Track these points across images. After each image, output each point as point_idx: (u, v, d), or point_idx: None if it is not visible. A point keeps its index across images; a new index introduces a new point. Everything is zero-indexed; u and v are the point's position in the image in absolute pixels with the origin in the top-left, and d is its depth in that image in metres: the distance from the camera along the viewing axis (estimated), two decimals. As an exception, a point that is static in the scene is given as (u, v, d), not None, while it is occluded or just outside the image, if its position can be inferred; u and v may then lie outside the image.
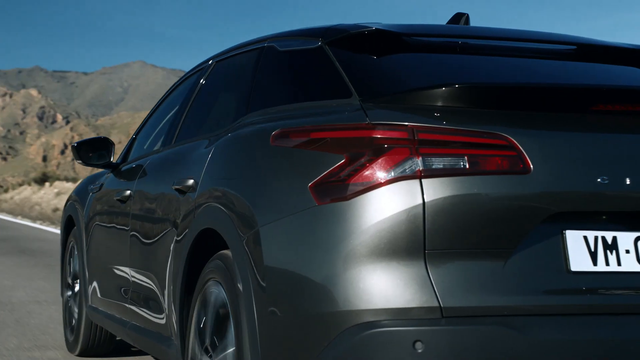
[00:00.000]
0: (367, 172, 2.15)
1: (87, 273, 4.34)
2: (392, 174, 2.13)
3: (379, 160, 2.15)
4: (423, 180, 2.12)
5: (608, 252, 2.23)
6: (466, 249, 2.13)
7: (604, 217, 2.27)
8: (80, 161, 4.07)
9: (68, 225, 4.86)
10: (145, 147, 4.00)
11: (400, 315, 2.07)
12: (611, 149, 2.26)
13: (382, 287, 2.09)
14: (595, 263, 2.22)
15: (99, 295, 4.13)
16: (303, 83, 2.73)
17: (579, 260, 2.20)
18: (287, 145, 2.37)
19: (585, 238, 2.23)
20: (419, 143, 2.15)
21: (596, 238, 2.24)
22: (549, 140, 2.22)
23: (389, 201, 2.12)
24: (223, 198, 2.59)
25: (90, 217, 4.39)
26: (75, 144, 4.05)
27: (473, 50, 2.74)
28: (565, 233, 2.21)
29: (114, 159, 4.17)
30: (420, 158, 2.13)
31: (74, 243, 4.65)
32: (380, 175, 2.14)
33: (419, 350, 2.02)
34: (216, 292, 2.61)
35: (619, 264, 2.23)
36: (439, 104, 2.23)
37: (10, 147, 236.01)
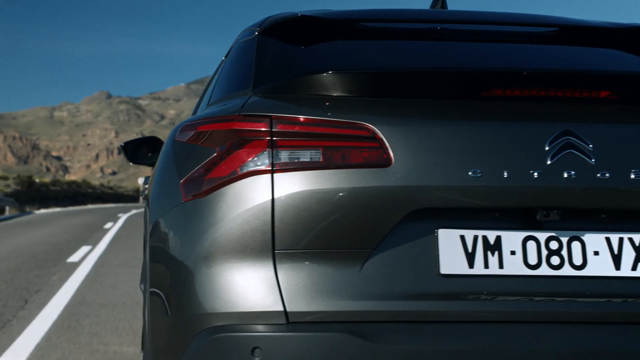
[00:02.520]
0: (223, 167, 1.99)
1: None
2: (246, 168, 1.96)
3: (237, 154, 1.98)
4: (275, 174, 1.94)
5: (489, 253, 1.96)
6: (319, 249, 1.92)
7: (492, 214, 1.98)
8: (130, 162, 3.94)
9: None
10: None
11: (244, 319, 1.89)
12: (487, 139, 1.96)
13: (231, 289, 1.92)
14: (471, 265, 1.95)
15: None
16: (234, 75, 2.51)
17: (451, 262, 1.94)
18: (183, 140, 2.20)
19: (463, 237, 1.96)
20: (277, 135, 1.97)
21: (475, 238, 1.96)
22: (416, 130, 1.96)
23: (239, 198, 1.95)
24: (149, 195, 2.52)
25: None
26: (123, 144, 3.89)
27: (396, 36, 2.50)
28: (437, 232, 1.96)
29: None
30: (275, 151, 1.96)
31: None
32: (235, 169, 1.97)
33: (257, 358, 1.86)
34: None
35: (500, 266, 1.95)
36: (316, 92, 2.04)
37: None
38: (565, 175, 1.95)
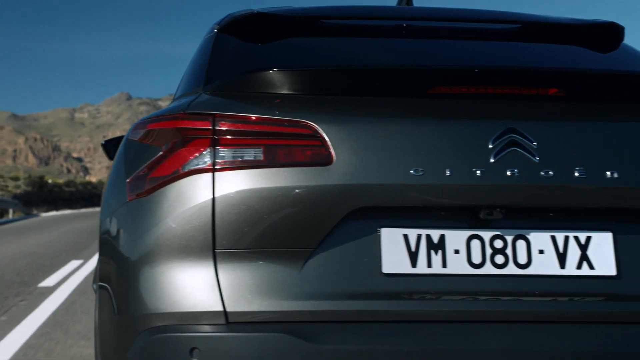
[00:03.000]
0: (166, 165, 1.95)
1: None
2: (188, 166, 1.93)
3: (180, 152, 1.95)
4: (216, 173, 1.91)
5: (432, 252, 1.92)
6: (260, 248, 1.89)
7: (436, 213, 1.95)
8: (111, 159, 3.52)
9: None
10: None
11: (184, 320, 1.86)
12: (431, 138, 1.92)
13: (172, 289, 1.88)
14: (414, 264, 1.91)
15: None
16: (192, 73, 2.47)
17: (393, 261, 1.91)
18: (135, 139, 2.15)
19: (406, 236, 1.93)
20: (219, 133, 1.93)
21: (419, 236, 1.93)
22: (359, 128, 1.93)
23: (181, 197, 1.91)
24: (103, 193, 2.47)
25: None
26: (104, 142, 3.65)
27: (352, 33, 2.50)
28: (380, 231, 1.93)
29: None
30: (217, 149, 1.92)
31: None
32: (177, 168, 1.94)
33: (195, 359, 1.81)
34: None
35: (444, 265, 1.92)
36: (262, 90, 2.00)
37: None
38: (509, 173, 1.92)
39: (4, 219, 24.03)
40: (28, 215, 28.81)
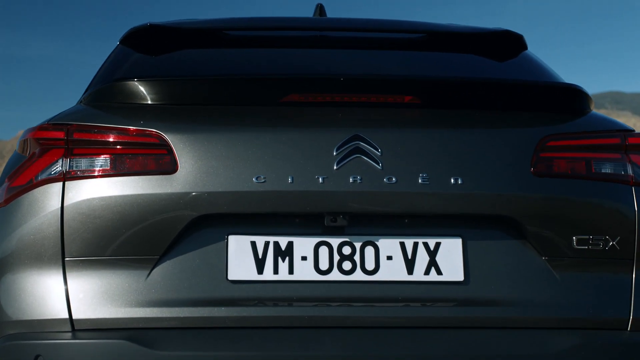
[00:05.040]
0: (23, 175, 2.05)
1: None
2: (41, 176, 2.02)
3: (36, 162, 2.05)
4: (67, 182, 2.00)
5: (280, 259, 2.01)
6: (107, 256, 1.98)
7: (287, 220, 2.03)
8: None
9: None
10: None
11: (32, 327, 1.95)
12: (275, 146, 2.01)
13: (24, 297, 1.98)
14: (260, 271, 2.00)
15: None
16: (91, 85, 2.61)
17: (240, 267, 1.99)
18: (16, 149, 2.25)
19: (254, 243, 2.01)
20: (72, 143, 2.03)
21: (267, 243, 2.01)
22: (205, 137, 2.01)
23: (33, 206, 2.01)
24: None
25: None
26: None
27: (243, 44, 2.68)
28: (228, 238, 2.01)
29: None
30: (69, 159, 2.02)
31: None
32: (31, 178, 2.03)
33: None
34: None
35: (290, 272, 2.00)
36: (122, 100, 2.10)
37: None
38: (351, 180, 1.95)
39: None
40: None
